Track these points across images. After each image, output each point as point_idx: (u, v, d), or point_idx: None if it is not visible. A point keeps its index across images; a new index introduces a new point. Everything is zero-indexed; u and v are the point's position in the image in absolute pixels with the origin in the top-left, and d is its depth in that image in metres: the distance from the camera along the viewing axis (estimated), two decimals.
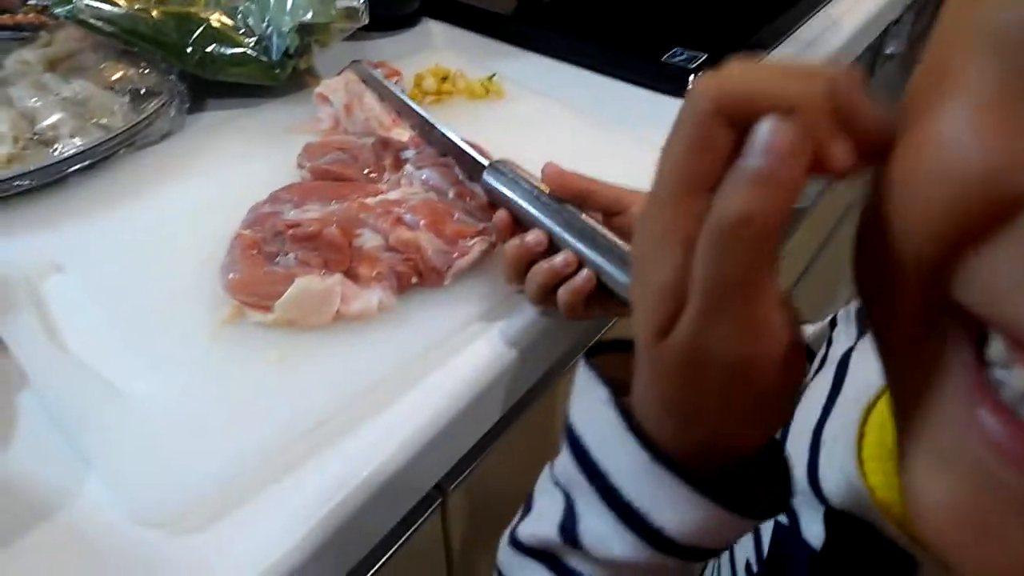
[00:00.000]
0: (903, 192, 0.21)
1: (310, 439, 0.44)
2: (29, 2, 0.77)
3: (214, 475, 0.41)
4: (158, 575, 0.38)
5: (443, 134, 0.57)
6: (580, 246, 0.46)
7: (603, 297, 0.46)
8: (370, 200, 0.54)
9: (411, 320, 0.50)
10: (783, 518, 0.39)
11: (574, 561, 0.33)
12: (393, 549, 0.51)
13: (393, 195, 0.55)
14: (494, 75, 0.73)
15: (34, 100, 0.64)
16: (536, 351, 0.52)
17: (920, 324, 0.21)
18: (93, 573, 0.38)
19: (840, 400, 0.38)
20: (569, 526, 0.32)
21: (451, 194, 0.56)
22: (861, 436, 0.35)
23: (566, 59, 0.82)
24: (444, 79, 0.72)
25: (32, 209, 0.59)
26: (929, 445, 0.21)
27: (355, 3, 0.69)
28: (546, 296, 0.48)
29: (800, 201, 0.88)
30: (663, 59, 0.78)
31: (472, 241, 0.52)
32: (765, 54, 0.82)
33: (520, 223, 0.49)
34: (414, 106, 0.62)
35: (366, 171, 0.59)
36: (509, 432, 0.57)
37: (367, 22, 0.71)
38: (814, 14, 0.92)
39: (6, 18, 0.73)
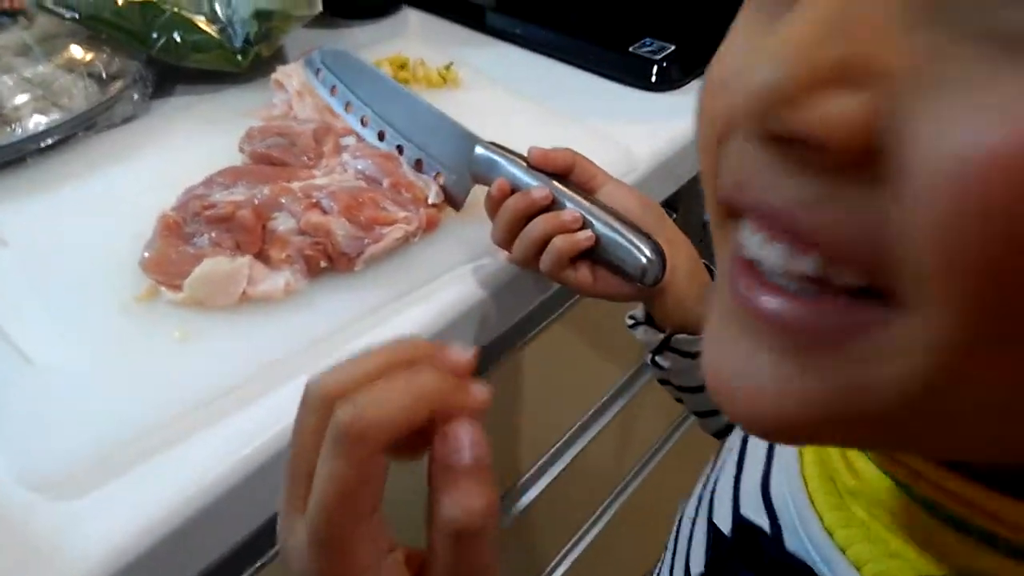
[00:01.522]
0: (700, 96, 0.24)
1: (198, 415, 0.45)
2: None
3: (99, 444, 0.43)
4: (32, 533, 0.40)
5: (431, 108, 0.58)
6: (583, 205, 0.49)
7: (591, 265, 0.50)
8: (294, 184, 0.55)
9: (318, 304, 0.51)
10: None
11: None
12: None
13: (320, 181, 0.56)
14: (451, 64, 0.73)
15: (2, 80, 0.66)
16: (441, 340, 0.52)
17: (716, 213, 0.24)
18: None
19: None
20: None
21: (385, 183, 0.56)
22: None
23: (536, 49, 0.82)
24: (402, 67, 0.73)
25: None
26: (714, 316, 0.23)
27: None
28: (535, 253, 0.50)
29: None
30: (630, 49, 0.77)
31: (388, 229, 0.53)
32: None
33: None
34: (397, 85, 0.62)
35: (304, 157, 0.60)
36: None
37: (320, 10, 0.72)
38: None
39: None
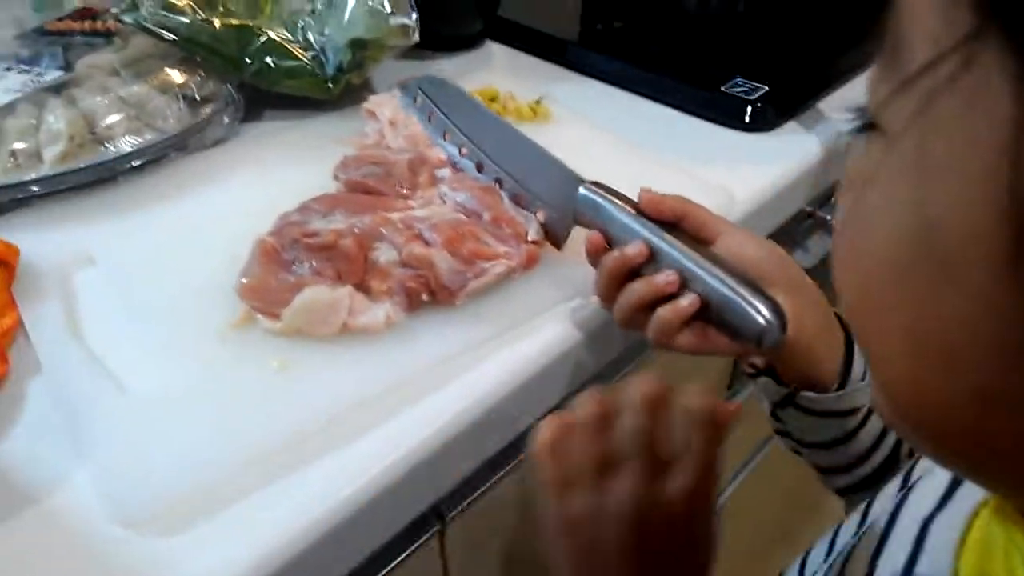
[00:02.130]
0: None
1: (300, 449, 0.43)
2: (111, 9, 0.81)
3: (196, 479, 0.41)
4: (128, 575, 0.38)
5: (533, 144, 0.56)
6: (687, 264, 0.45)
7: (701, 326, 0.45)
8: (394, 215, 0.54)
9: (418, 337, 0.49)
10: None
11: None
12: (385, 572, 0.49)
13: (419, 212, 0.54)
14: (542, 98, 0.72)
15: (96, 99, 0.66)
16: (546, 380, 0.50)
17: None
18: (66, 567, 0.38)
19: (958, 495, 0.35)
20: None
21: (486, 217, 0.55)
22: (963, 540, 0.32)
23: (622, 86, 0.80)
24: (492, 99, 0.72)
25: (79, 205, 0.61)
26: None
27: (407, 21, 0.70)
28: (636, 317, 0.47)
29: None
30: (722, 88, 0.76)
31: (490, 263, 0.51)
32: (828, 90, 0.79)
33: (613, 244, 0.49)
34: (496, 116, 0.61)
35: (399, 186, 0.59)
36: (515, 464, 0.55)
37: (417, 40, 0.71)
38: None
39: (85, 24, 0.77)
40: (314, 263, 0.50)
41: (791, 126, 0.74)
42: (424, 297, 0.50)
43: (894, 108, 0.21)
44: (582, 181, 0.51)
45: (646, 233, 0.47)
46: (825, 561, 0.42)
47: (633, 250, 0.46)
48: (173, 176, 0.65)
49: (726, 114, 0.74)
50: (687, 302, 0.44)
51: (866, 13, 0.23)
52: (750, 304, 0.43)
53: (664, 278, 0.45)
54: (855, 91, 0.79)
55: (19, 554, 0.39)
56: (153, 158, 0.65)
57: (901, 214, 0.21)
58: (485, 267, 0.51)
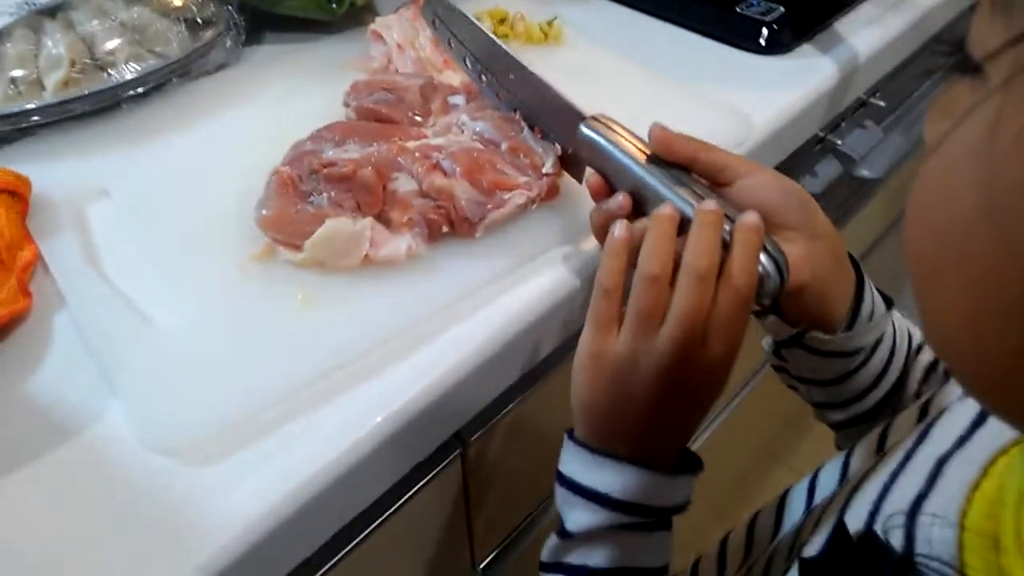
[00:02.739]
0: None
1: (329, 381, 0.44)
2: None
3: (230, 410, 0.42)
4: (167, 503, 0.39)
5: (537, 78, 0.53)
6: (689, 213, 0.42)
7: None
8: (410, 144, 0.53)
9: (440, 270, 0.49)
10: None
11: (571, 556, 0.44)
12: (411, 493, 0.51)
13: (436, 141, 0.54)
14: (555, 19, 0.70)
15: (95, 23, 0.64)
16: (563, 311, 0.51)
17: None
18: (104, 496, 0.39)
19: (976, 437, 0.35)
20: (560, 528, 0.44)
21: (504, 147, 0.54)
22: (975, 488, 0.32)
23: (634, 6, 0.78)
24: (501, 21, 0.70)
25: (84, 133, 0.60)
26: None
27: None
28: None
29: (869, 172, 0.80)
30: (737, 9, 0.74)
31: (510, 194, 0.51)
32: (842, 11, 0.77)
33: (616, 185, 0.46)
34: (503, 46, 0.57)
35: (411, 113, 0.58)
36: (533, 389, 0.56)
37: None
38: None
39: None
40: (333, 194, 0.50)
41: (806, 48, 0.73)
42: (444, 229, 0.50)
43: (998, 61, 0.21)
44: (583, 117, 0.48)
45: (644, 177, 0.44)
46: (839, 485, 0.44)
47: (615, 203, 0.45)
48: (178, 103, 0.64)
49: (741, 35, 0.72)
50: None
51: None
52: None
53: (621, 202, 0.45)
54: (868, 13, 0.78)
55: (59, 487, 0.40)
56: (156, 84, 0.63)
57: (977, 170, 0.21)
58: (505, 198, 0.50)
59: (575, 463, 0.43)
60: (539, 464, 0.64)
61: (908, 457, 0.37)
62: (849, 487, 0.40)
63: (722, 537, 0.50)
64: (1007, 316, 0.20)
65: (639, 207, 0.45)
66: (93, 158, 0.58)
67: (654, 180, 0.44)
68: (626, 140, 0.46)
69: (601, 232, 0.46)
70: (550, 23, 0.70)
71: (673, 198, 0.43)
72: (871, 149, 0.88)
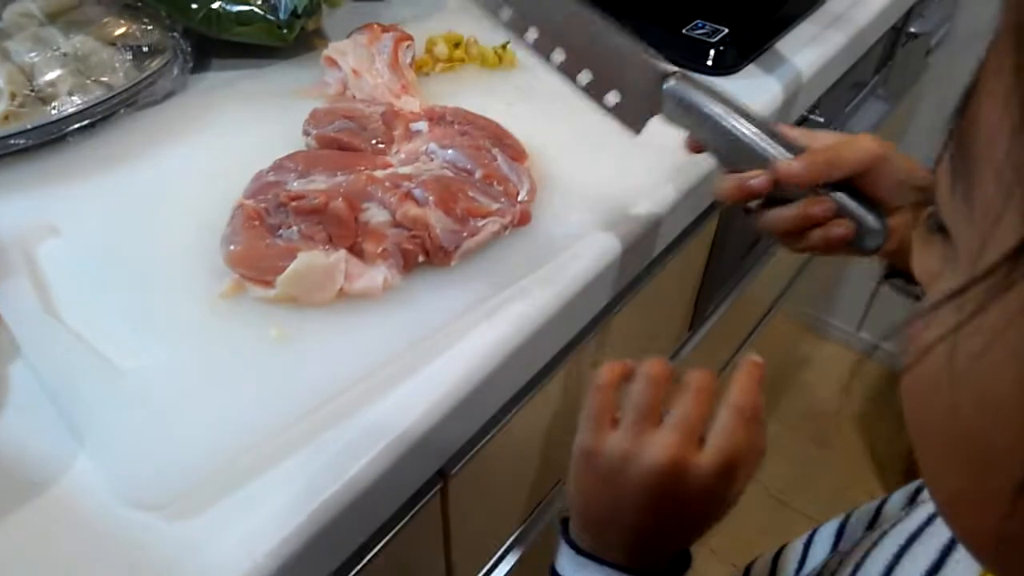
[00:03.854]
0: None
1: (310, 421, 0.42)
2: None
3: (209, 457, 0.40)
4: (148, 560, 0.37)
5: (615, 29, 0.52)
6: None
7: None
8: (379, 173, 0.52)
9: (417, 301, 0.49)
10: None
11: None
12: (392, 534, 0.50)
13: (404, 169, 0.53)
14: (508, 43, 0.70)
15: (32, 54, 0.61)
16: (542, 336, 0.51)
17: None
18: (80, 555, 0.37)
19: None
20: None
21: (478, 174, 0.53)
22: None
23: None
24: (456, 45, 0.70)
25: (28, 169, 0.57)
26: None
27: None
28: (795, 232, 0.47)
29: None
30: (683, 32, 0.76)
31: (484, 221, 0.50)
32: (784, 32, 0.80)
33: (706, 140, 0.48)
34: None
35: (375, 141, 0.57)
36: (512, 416, 0.55)
37: None
38: None
39: None
40: (303, 227, 0.49)
41: (751, 68, 0.75)
42: (420, 259, 0.49)
43: (960, 227, 0.20)
44: (669, 73, 0.49)
45: (739, 129, 0.46)
46: (832, 552, 0.44)
47: (757, 184, 0.46)
48: (127, 134, 0.61)
49: (689, 57, 0.74)
50: (844, 228, 0.45)
51: None
52: (858, 212, 0.45)
53: (821, 210, 0.45)
54: (807, 32, 0.81)
55: (28, 546, 0.38)
56: (103, 115, 0.61)
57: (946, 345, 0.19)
58: (479, 225, 0.50)
59: (564, 559, 0.43)
60: (518, 489, 0.64)
61: (911, 540, 0.37)
62: (848, 566, 0.39)
63: None
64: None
65: (731, 159, 0.47)
66: (40, 195, 0.55)
67: (750, 133, 0.46)
68: (717, 100, 0.47)
69: (732, 194, 0.47)
70: (503, 47, 0.70)
71: (769, 149, 0.45)
72: None
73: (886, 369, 1.68)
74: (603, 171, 0.59)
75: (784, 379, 1.68)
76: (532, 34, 0.52)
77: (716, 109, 0.47)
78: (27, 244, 0.51)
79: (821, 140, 0.47)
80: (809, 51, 0.77)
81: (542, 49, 0.53)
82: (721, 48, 0.74)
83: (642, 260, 0.60)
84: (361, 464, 0.41)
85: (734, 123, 0.46)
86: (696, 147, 0.49)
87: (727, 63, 0.74)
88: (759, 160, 0.46)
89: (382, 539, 0.49)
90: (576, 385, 0.65)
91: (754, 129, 0.46)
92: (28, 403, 0.43)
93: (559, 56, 0.52)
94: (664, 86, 0.49)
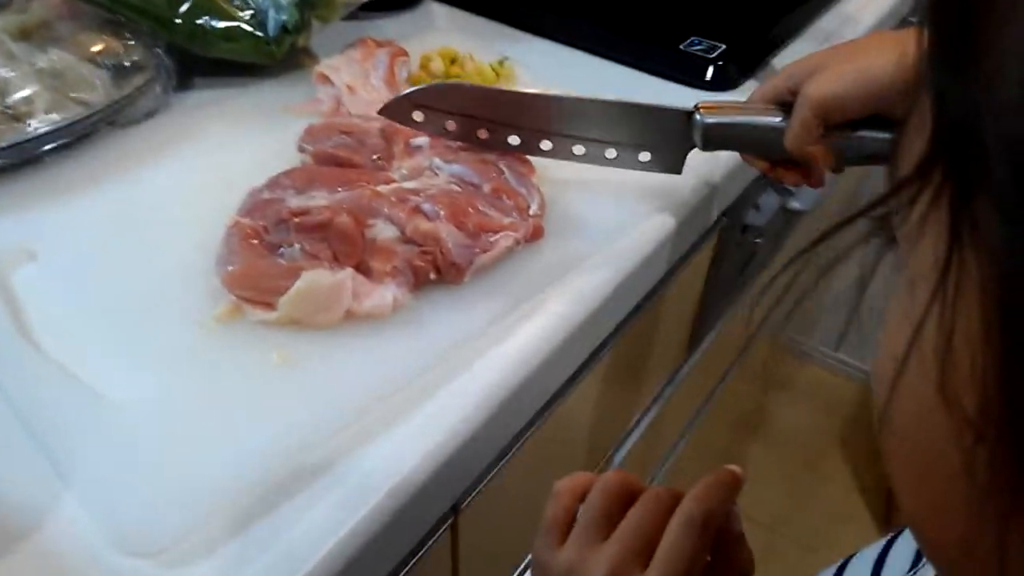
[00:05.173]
0: None
1: (317, 455, 0.39)
2: None
3: (207, 497, 0.37)
4: None
5: (605, 100, 0.53)
6: None
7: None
8: (383, 188, 0.49)
9: (428, 320, 0.46)
10: None
11: None
12: (404, 572, 0.46)
13: (409, 184, 0.50)
14: (506, 58, 0.68)
15: (5, 71, 0.58)
16: (559, 357, 0.48)
17: None
18: None
19: None
20: None
21: (486, 188, 0.51)
22: None
23: (576, 45, 0.77)
24: (452, 61, 0.67)
25: (3, 191, 0.53)
26: None
27: None
28: None
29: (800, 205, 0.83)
30: (680, 48, 0.74)
31: (496, 236, 0.48)
32: (780, 48, 0.79)
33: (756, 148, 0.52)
34: (535, 92, 0.53)
35: (374, 157, 0.54)
36: (524, 443, 0.52)
37: None
38: (831, 8, 0.88)
39: None
40: (306, 245, 0.46)
41: (751, 84, 0.74)
42: (431, 276, 0.46)
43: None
44: (692, 110, 0.51)
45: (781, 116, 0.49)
46: None
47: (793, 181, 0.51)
48: (107, 153, 0.58)
49: (687, 73, 0.73)
50: None
51: None
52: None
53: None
54: (803, 49, 0.80)
55: None
56: (82, 135, 0.57)
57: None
58: (492, 240, 0.48)
59: None
60: (530, 518, 0.61)
61: None
62: None
63: None
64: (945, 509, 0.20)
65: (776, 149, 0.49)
66: (14, 218, 0.51)
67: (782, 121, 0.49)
68: (745, 111, 0.51)
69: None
70: (501, 62, 0.68)
71: None
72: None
73: (865, 389, 1.68)
74: (610, 182, 0.57)
75: (765, 402, 1.67)
76: (546, 145, 0.54)
77: (750, 117, 0.50)
78: (1, 269, 0.47)
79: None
80: None
81: (561, 153, 0.54)
82: (720, 63, 0.72)
83: (655, 274, 0.58)
84: (370, 506, 0.38)
85: (770, 119, 0.49)
86: (750, 158, 0.51)
87: (726, 79, 0.73)
88: None
89: None
90: (589, 408, 0.62)
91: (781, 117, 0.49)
92: (10, 442, 0.39)
93: (580, 150, 0.54)
94: (694, 121, 0.51)
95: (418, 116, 0.52)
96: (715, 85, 0.72)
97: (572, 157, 0.54)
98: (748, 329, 1.08)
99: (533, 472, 0.57)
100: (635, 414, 0.82)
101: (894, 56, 0.45)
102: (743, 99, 0.71)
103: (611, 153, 0.54)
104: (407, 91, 0.52)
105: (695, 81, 0.72)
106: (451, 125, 0.52)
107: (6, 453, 0.39)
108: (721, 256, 0.78)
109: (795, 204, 0.92)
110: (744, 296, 0.95)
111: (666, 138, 0.53)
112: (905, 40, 0.22)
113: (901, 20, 1.00)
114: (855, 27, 0.86)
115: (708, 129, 0.50)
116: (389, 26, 0.79)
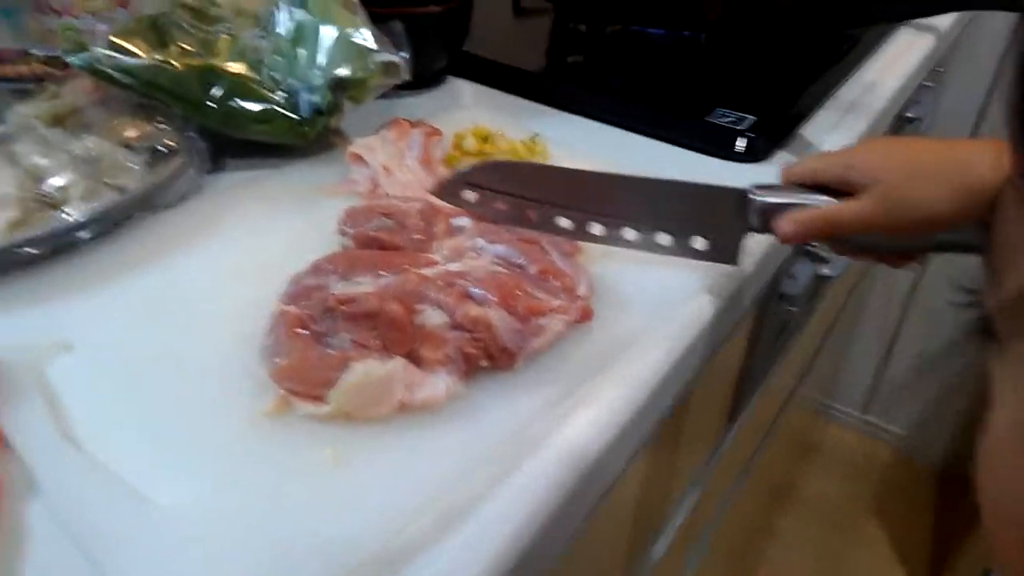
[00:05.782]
0: None
1: (375, 560, 0.37)
2: (30, 51, 0.71)
3: None
4: None
5: (679, 182, 0.52)
6: None
7: None
8: (427, 271, 0.48)
9: (481, 409, 0.44)
10: None
11: None
12: None
13: (453, 267, 0.49)
14: (537, 135, 0.68)
15: (39, 157, 0.57)
16: (618, 440, 0.46)
17: None
18: None
19: None
20: None
21: (533, 270, 0.50)
22: None
23: (601, 119, 0.78)
24: (485, 139, 0.67)
25: (38, 280, 0.52)
26: None
27: (395, 58, 0.65)
28: None
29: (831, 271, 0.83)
30: (707, 119, 0.74)
31: (546, 320, 0.47)
32: (808, 117, 0.79)
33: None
34: (584, 171, 0.53)
35: (415, 238, 0.53)
36: (576, 543, 0.50)
37: (410, 79, 0.66)
38: (850, 77, 0.89)
39: (7, 68, 0.67)
40: (355, 334, 0.44)
41: (782, 155, 0.73)
42: (482, 363, 0.45)
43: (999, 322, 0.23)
44: (746, 190, 0.50)
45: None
46: None
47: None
48: (142, 239, 0.57)
49: (718, 145, 0.73)
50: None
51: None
52: None
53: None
54: (828, 120, 0.80)
55: None
56: (117, 220, 0.56)
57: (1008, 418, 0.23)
58: (542, 324, 0.46)
59: None
60: None
61: None
62: None
63: None
64: None
65: None
66: (50, 308, 0.50)
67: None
68: (794, 193, 0.50)
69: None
70: (533, 139, 0.68)
71: None
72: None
73: (895, 451, 1.64)
74: (654, 260, 0.56)
75: (796, 467, 1.63)
76: (597, 229, 0.53)
77: (805, 197, 0.49)
78: (37, 362, 0.46)
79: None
80: (833, 137, 0.77)
81: (613, 239, 0.53)
82: (751, 135, 0.72)
83: (704, 352, 0.56)
84: None
85: (824, 199, 0.48)
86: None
87: (756, 150, 0.72)
88: None
89: None
90: (636, 487, 0.59)
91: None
92: (49, 548, 0.37)
93: (632, 235, 0.53)
94: (748, 201, 0.50)
95: (469, 196, 0.51)
96: (747, 157, 0.72)
97: (624, 243, 0.53)
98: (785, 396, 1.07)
99: (579, 557, 0.55)
100: (679, 489, 0.79)
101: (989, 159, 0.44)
102: (774, 170, 0.71)
103: (664, 240, 0.53)
104: (462, 170, 0.51)
105: (725, 152, 0.72)
106: (501, 205, 0.51)
107: (47, 561, 0.36)
108: (760, 326, 0.77)
109: (827, 271, 0.92)
110: (781, 364, 0.93)
111: (720, 221, 0.52)
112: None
113: (917, 86, 1.01)
114: (876, 95, 0.86)
115: (760, 213, 0.50)
116: (415, 104, 0.80)
